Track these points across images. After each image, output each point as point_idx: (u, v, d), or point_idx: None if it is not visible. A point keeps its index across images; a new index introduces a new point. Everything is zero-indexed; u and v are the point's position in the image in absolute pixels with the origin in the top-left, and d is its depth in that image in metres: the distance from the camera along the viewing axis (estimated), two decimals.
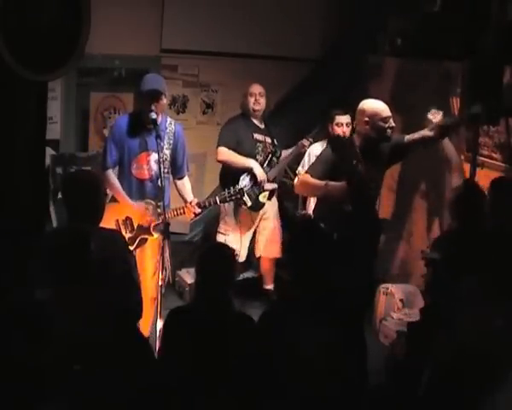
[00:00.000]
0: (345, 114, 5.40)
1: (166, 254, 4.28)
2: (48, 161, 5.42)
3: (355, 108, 4.51)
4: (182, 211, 4.60)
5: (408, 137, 4.56)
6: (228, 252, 3.38)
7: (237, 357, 3.07)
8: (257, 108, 5.47)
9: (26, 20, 4.53)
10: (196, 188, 6.01)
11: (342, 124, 5.40)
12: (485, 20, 4.90)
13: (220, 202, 4.69)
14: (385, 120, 4.36)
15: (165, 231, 4.24)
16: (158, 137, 4.43)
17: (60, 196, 5.29)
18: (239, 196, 4.67)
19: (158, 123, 4.46)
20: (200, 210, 4.65)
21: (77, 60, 4.94)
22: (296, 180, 5.47)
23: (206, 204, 4.67)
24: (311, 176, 4.47)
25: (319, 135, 5.66)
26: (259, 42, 6.15)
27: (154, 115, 4.48)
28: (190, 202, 4.63)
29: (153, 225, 4.52)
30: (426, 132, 4.56)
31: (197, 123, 6.28)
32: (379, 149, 4.49)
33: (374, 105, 4.42)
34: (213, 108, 6.35)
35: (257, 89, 5.47)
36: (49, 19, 4.65)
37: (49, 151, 5.47)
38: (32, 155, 5.04)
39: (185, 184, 4.81)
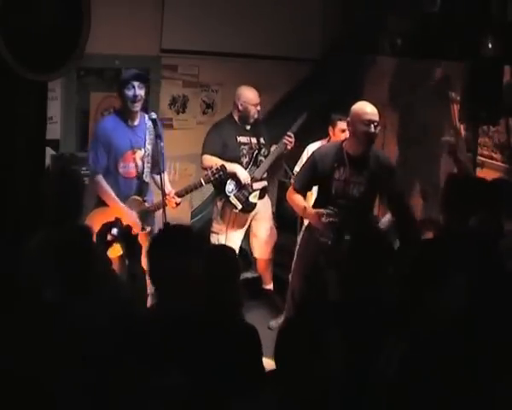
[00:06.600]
0: (346, 118, 5.33)
1: None
2: (48, 160, 5.42)
3: None
4: (164, 203, 4.59)
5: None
6: (231, 253, 3.36)
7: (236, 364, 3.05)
8: (255, 116, 5.43)
9: (26, 20, 4.54)
10: None
11: (345, 130, 5.29)
12: (485, 21, 4.91)
13: (205, 182, 4.78)
14: (364, 122, 4.22)
15: None
16: (158, 136, 4.44)
17: None
18: (221, 173, 4.77)
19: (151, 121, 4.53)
20: (180, 199, 4.69)
21: (77, 60, 4.94)
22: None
23: (184, 192, 4.73)
24: (295, 187, 4.45)
25: (318, 135, 5.62)
26: (259, 42, 6.14)
27: (153, 115, 4.52)
28: (169, 194, 4.66)
29: (146, 232, 4.54)
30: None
31: (197, 123, 6.27)
32: (366, 157, 4.35)
33: (357, 106, 4.32)
34: (213, 108, 6.35)
35: (255, 99, 5.37)
36: (49, 19, 4.65)
37: (49, 151, 5.46)
38: (32, 155, 5.04)
39: (163, 178, 4.72)
